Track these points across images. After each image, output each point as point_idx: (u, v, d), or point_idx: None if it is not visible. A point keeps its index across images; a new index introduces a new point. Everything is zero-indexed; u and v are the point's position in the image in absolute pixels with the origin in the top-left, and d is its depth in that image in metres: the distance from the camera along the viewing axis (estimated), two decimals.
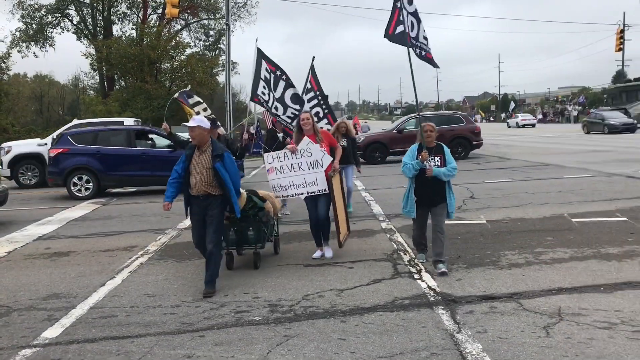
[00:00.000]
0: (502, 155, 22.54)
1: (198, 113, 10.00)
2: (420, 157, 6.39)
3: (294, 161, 7.10)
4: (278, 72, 9.54)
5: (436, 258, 6.48)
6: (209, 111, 10.44)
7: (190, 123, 6.07)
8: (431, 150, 6.49)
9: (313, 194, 7.08)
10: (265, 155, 7.46)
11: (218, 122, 8.50)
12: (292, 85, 9.65)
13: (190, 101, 10.54)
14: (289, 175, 7.13)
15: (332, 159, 7.02)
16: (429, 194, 6.49)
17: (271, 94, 9.43)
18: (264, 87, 9.35)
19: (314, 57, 10.59)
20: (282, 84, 9.50)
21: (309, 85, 10.38)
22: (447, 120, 22.39)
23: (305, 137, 7.07)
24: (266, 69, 9.44)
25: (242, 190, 6.64)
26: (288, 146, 7.22)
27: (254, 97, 9.27)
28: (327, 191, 7.01)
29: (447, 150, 6.62)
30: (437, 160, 6.47)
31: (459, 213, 10.05)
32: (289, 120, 9.58)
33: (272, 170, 7.23)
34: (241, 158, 8.63)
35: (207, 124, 6.13)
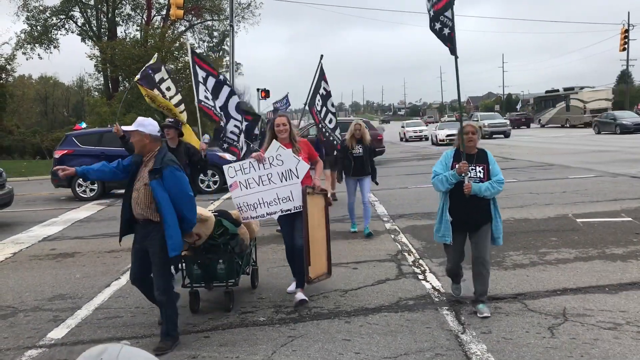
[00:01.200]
0: (506, 155, 22.49)
1: (164, 94, 7.91)
2: (457, 167, 4.99)
3: (262, 172, 5.70)
4: (221, 77, 7.72)
5: (478, 297, 5.14)
6: (173, 90, 8.07)
7: (132, 126, 4.73)
8: (472, 159, 5.06)
9: (289, 212, 5.65)
10: (224, 167, 5.92)
11: (181, 123, 7.03)
12: (235, 93, 7.85)
13: (157, 77, 7.99)
14: (257, 190, 5.71)
15: (308, 166, 5.70)
16: (469, 213, 5.06)
17: (216, 102, 7.45)
18: (206, 91, 7.44)
19: (322, 56, 9.06)
20: (225, 90, 7.60)
21: (326, 89, 8.90)
22: (345, 126, 21.88)
23: (274, 141, 5.70)
24: (205, 72, 7.51)
25: (208, 213, 5.45)
26: (253, 154, 5.83)
27: (199, 103, 7.36)
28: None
29: (491, 157, 5.17)
30: (479, 172, 5.05)
31: None
32: (234, 138, 7.51)
33: (235, 185, 5.79)
34: (204, 171, 7.17)
35: (148, 128, 4.69)
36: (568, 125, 45.99)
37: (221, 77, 7.73)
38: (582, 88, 48.73)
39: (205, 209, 5.48)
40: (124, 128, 4.92)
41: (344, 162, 8.71)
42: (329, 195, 11.25)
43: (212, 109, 7.36)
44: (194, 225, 4.86)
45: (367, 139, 8.69)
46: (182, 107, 7.98)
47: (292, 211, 5.61)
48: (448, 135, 32.75)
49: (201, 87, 7.40)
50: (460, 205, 5.04)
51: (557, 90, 53.31)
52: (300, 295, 5.59)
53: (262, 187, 5.71)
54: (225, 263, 5.48)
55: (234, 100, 7.62)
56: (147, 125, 4.69)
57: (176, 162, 4.70)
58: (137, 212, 4.69)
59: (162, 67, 8.26)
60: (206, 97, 7.38)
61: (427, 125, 47.76)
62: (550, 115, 51.23)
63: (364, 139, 8.66)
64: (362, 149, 8.62)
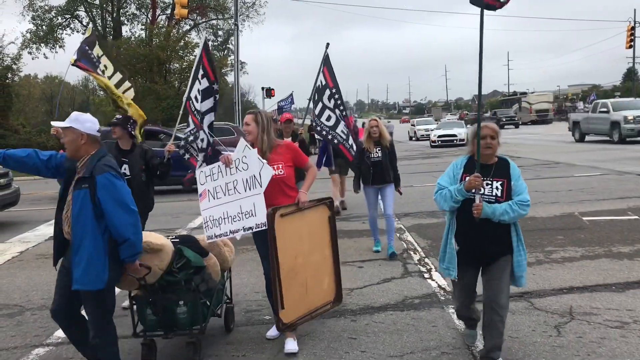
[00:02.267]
0: (512, 153, 22.42)
1: (104, 69, 6.46)
2: (467, 180, 3.81)
3: (229, 179, 4.61)
4: (215, 86, 6.48)
5: (487, 353, 3.92)
6: (110, 68, 6.63)
7: (64, 122, 3.74)
8: (488, 170, 3.88)
9: (251, 230, 4.47)
10: (196, 172, 4.98)
11: (133, 120, 5.88)
12: (215, 110, 6.54)
13: (93, 53, 6.53)
14: (223, 201, 4.63)
15: (272, 171, 4.43)
16: (481, 242, 3.88)
17: (199, 107, 6.33)
18: (198, 92, 6.33)
19: (327, 44, 8.01)
20: (210, 101, 6.45)
21: (322, 81, 7.79)
22: (217, 131, 19.59)
23: (241, 139, 4.61)
24: (204, 71, 6.38)
25: (163, 240, 4.27)
26: (221, 156, 4.72)
27: (187, 100, 6.30)
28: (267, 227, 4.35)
29: (515, 170, 3.94)
30: (497, 188, 3.86)
31: None
32: (196, 149, 6.33)
33: (204, 194, 4.79)
34: (163, 179, 5.92)
35: (85, 125, 3.72)
36: (520, 122, 54.29)
37: (215, 86, 6.57)
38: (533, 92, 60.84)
39: (160, 235, 4.38)
40: (56, 124, 3.90)
41: (360, 169, 7.41)
42: (337, 203, 10.40)
43: (195, 112, 6.28)
44: (139, 252, 3.78)
45: (386, 140, 7.36)
46: (127, 84, 6.73)
47: (254, 229, 4.42)
48: (441, 137, 29.95)
49: (196, 85, 6.43)
50: (470, 230, 3.88)
51: (516, 94, 65.79)
52: (289, 346, 4.48)
53: (227, 197, 4.62)
54: (187, 305, 4.35)
55: (210, 117, 6.42)
56: (84, 121, 3.74)
57: (115, 169, 3.73)
58: (67, 231, 3.77)
59: (97, 42, 6.72)
60: (196, 98, 6.38)
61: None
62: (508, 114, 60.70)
63: (382, 140, 7.34)
64: (380, 152, 7.29)
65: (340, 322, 5.04)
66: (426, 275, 6.33)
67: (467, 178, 3.81)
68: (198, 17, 44.05)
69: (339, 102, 7.79)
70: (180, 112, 6.31)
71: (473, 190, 3.80)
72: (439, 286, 5.91)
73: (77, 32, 41.96)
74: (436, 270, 6.47)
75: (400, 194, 7.55)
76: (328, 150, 10.60)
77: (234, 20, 30.54)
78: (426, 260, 6.98)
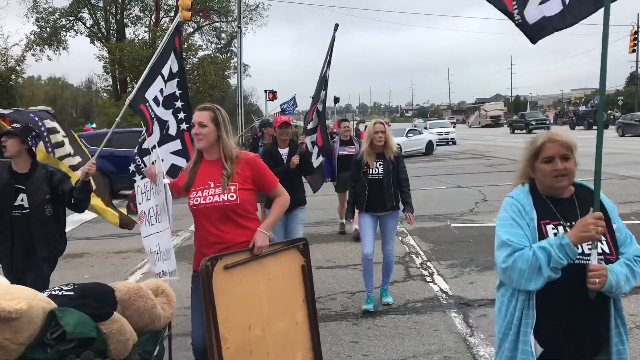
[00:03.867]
0: (515, 157, 22.39)
1: (53, 149, 4.93)
2: (579, 228, 2.18)
3: (158, 200, 3.54)
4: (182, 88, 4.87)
5: None
6: (67, 148, 5.07)
7: None
8: (571, 209, 2.39)
9: (165, 277, 3.61)
10: (135, 187, 3.98)
11: (35, 133, 4.30)
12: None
13: (46, 124, 4.94)
14: (155, 229, 3.68)
15: (170, 197, 3.37)
16: (579, 331, 2.31)
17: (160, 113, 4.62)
18: (161, 92, 4.61)
19: (336, 26, 6.78)
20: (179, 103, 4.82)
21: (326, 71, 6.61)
22: None
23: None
24: (178, 66, 4.77)
25: (18, 304, 2.56)
26: (146, 170, 3.70)
27: (141, 102, 4.43)
28: (176, 277, 3.57)
29: (608, 203, 2.47)
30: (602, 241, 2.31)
31: (471, 215, 10.02)
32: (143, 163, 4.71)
33: (142, 217, 3.83)
34: (80, 209, 4.33)
35: None
36: (480, 126, 67.84)
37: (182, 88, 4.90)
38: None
39: (23, 293, 2.76)
40: None
41: (355, 189, 5.60)
42: (344, 223, 9.17)
43: (154, 119, 4.50)
44: None
45: (392, 150, 5.49)
46: (78, 159, 5.18)
47: (168, 278, 3.42)
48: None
49: (157, 82, 4.57)
50: (565, 317, 2.28)
51: (481, 102, 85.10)
52: None
53: (157, 224, 3.57)
54: None
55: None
56: None
57: None
58: None
59: (50, 116, 5.14)
60: (155, 100, 4.54)
61: (454, 127, 44.99)
62: (471, 119, 77.03)
63: (387, 150, 5.47)
64: (382, 166, 5.44)
65: (342, 326, 5.03)
66: (428, 279, 6.32)
67: (579, 225, 2.19)
68: (201, 20, 44.17)
69: (317, 104, 6.58)
70: (118, 119, 4.70)
71: (590, 246, 2.25)
72: (441, 290, 5.90)
73: (81, 34, 42.16)
74: (438, 274, 6.46)
75: (410, 223, 5.68)
76: (332, 160, 8.73)
77: (237, 23, 30.60)
78: (428, 264, 6.97)
